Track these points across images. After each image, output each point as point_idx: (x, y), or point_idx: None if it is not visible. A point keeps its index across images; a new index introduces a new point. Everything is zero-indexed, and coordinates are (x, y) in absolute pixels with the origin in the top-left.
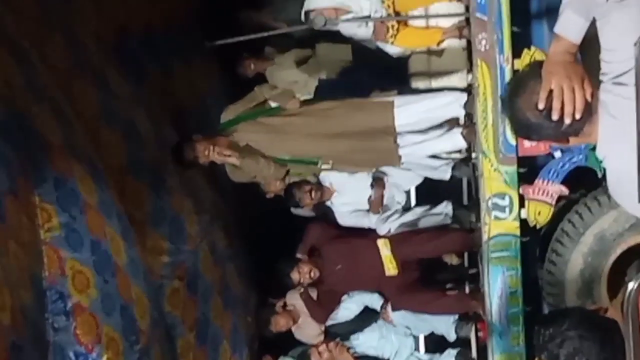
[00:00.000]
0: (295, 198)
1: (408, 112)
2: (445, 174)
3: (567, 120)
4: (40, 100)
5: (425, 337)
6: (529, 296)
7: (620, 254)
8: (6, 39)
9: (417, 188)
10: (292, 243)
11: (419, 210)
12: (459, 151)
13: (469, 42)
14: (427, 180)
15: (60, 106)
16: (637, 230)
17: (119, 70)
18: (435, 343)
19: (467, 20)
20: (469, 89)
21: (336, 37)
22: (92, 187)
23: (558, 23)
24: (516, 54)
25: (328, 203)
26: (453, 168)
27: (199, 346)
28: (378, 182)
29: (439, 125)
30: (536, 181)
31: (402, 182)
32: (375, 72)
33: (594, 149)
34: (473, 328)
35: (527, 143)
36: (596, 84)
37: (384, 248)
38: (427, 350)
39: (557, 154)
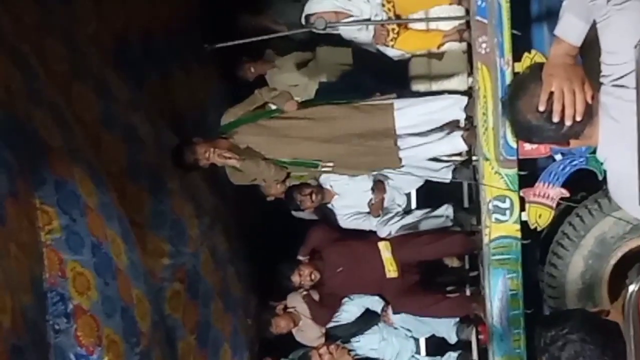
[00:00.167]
0: (296, 201)
1: (408, 114)
2: (445, 176)
3: (568, 123)
4: (40, 104)
5: (426, 340)
6: (530, 299)
7: (621, 257)
8: (6, 44)
9: (418, 191)
10: (292, 246)
11: (420, 213)
12: (460, 154)
13: (469, 45)
14: (427, 182)
15: (60, 110)
16: (638, 233)
17: (118, 74)
18: (436, 346)
19: (468, 23)
20: (469, 92)
21: (336, 41)
22: (92, 190)
23: (558, 26)
24: (516, 57)
25: (329, 205)
26: (453, 171)
27: (199, 349)
28: (379, 185)
29: (440, 128)
30: (537, 184)
31: (402, 185)
32: (376, 75)
33: (594, 151)
34: (474, 331)
35: (527, 146)
36: (597, 86)
37: (385, 250)
38: (428, 353)
39: (558, 157)
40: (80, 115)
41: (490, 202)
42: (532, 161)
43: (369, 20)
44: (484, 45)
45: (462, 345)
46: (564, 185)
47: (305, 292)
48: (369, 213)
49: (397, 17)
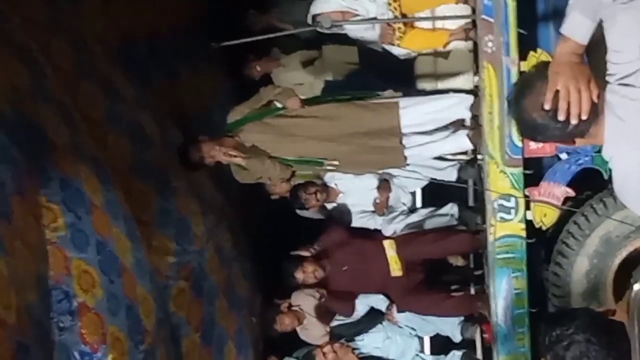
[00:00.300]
0: (300, 199)
1: (414, 113)
2: (450, 175)
3: (574, 121)
4: (47, 102)
5: (431, 339)
6: (535, 298)
7: (627, 256)
8: (14, 43)
9: (423, 189)
10: (297, 244)
11: (425, 212)
12: (465, 153)
13: (475, 44)
14: (432, 181)
15: (66, 108)
16: None
17: (125, 73)
18: (441, 344)
19: (474, 22)
20: (475, 91)
21: (342, 39)
22: (98, 188)
23: (564, 24)
24: (522, 56)
25: (334, 204)
26: (459, 170)
27: (204, 347)
28: (384, 184)
29: (445, 127)
30: (542, 183)
31: (407, 184)
32: (381, 74)
33: (599, 150)
34: (478, 329)
35: (533, 144)
36: (602, 85)
37: (390, 249)
38: (432, 352)
39: (563, 156)
40: (87, 114)
41: (496, 201)
42: (538, 160)
43: (375, 19)
44: (490, 44)
45: (467, 344)
46: (569, 184)
47: (319, 294)
48: (374, 212)
49: (403, 16)
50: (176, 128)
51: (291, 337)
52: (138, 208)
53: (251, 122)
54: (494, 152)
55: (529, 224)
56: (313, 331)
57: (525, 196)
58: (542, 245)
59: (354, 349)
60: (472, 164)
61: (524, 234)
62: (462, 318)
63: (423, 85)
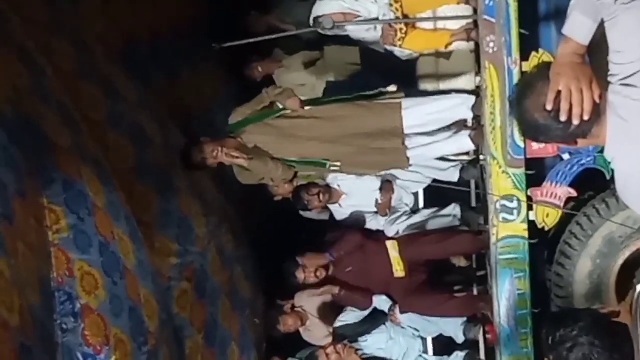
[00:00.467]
0: (303, 201)
1: (416, 114)
2: (453, 176)
3: (575, 122)
4: (48, 103)
5: (434, 339)
6: (538, 298)
7: (629, 256)
8: (15, 42)
9: (425, 190)
10: (299, 245)
11: (427, 212)
12: (467, 153)
13: (477, 45)
14: (435, 182)
15: (67, 109)
16: None
17: (126, 74)
18: (444, 345)
19: (475, 22)
20: (477, 92)
21: (344, 40)
22: (100, 189)
23: (566, 25)
24: (524, 56)
25: (336, 205)
26: (461, 170)
27: (207, 348)
28: (386, 185)
29: (447, 128)
30: (544, 183)
31: (410, 185)
32: (383, 75)
33: (602, 151)
34: (481, 330)
35: (535, 145)
36: (604, 85)
37: (393, 250)
38: (435, 353)
39: (566, 156)
40: (88, 115)
41: (498, 202)
42: (540, 161)
43: (376, 20)
44: (491, 44)
45: (470, 345)
46: (571, 185)
47: (337, 293)
48: (376, 212)
49: (405, 16)
50: (178, 129)
51: (294, 338)
52: (140, 209)
53: (253, 123)
54: (496, 152)
55: (532, 224)
56: (316, 332)
57: (528, 197)
58: (544, 246)
59: (357, 349)
60: (474, 165)
61: (526, 234)
62: (465, 319)
63: (425, 86)
